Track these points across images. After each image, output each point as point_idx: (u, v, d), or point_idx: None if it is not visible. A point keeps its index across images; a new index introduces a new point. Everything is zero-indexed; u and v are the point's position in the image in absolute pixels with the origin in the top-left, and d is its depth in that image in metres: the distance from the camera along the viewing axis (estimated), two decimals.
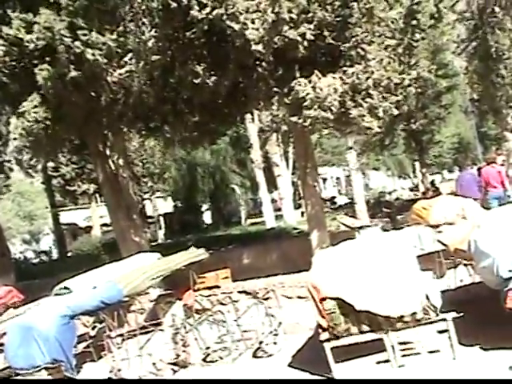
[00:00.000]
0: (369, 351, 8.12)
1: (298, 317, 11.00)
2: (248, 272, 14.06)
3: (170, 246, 21.41)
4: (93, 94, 13.82)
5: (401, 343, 8.19)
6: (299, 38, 11.55)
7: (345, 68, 12.13)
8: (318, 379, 7.42)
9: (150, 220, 39.70)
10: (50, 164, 29.72)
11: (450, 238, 10.27)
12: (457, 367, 7.62)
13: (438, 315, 7.98)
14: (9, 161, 24.78)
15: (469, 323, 8.20)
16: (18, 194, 41.05)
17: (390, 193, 51.45)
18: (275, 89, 12.93)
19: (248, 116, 25.69)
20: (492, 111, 28.78)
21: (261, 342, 10.38)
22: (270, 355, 10.17)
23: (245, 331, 10.98)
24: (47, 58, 13.16)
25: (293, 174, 33.91)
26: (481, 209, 12.29)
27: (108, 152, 16.34)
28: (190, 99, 13.65)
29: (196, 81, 12.61)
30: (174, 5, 12.05)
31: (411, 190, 52.17)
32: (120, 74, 13.06)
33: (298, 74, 12.25)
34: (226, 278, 13.15)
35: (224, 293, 12.26)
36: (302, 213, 29.40)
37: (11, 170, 25.89)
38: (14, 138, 16.84)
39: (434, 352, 8.20)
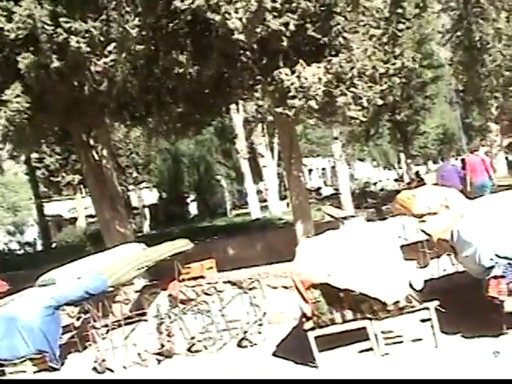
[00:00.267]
0: (352, 340, 8.17)
1: (282, 306, 11.05)
2: (233, 262, 14.07)
3: (155, 236, 21.34)
4: (76, 83, 13.70)
5: (384, 332, 8.24)
6: (282, 28, 11.50)
7: (329, 57, 12.10)
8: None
9: (135, 211, 39.53)
10: (34, 155, 29.46)
11: (433, 228, 10.32)
12: (439, 355, 7.68)
13: (420, 304, 8.04)
14: None
15: (451, 312, 8.27)
16: (1, 185, 40.64)
17: (375, 183, 51.57)
18: (259, 78, 12.90)
19: (233, 106, 25.60)
20: (476, 102, 28.82)
21: (245, 332, 10.42)
22: (255, 345, 10.22)
23: (229, 321, 11.01)
24: (30, 47, 13.03)
25: (278, 164, 33.87)
26: (464, 199, 12.36)
27: (92, 142, 16.24)
28: (174, 89, 13.59)
29: (180, 70, 12.55)
30: None
31: (396, 180, 52.25)
32: (104, 63, 12.94)
33: (282, 64, 12.22)
34: (211, 268, 13.15)
35: (209, 283, 12.27)
36: (288, 204, 29.42)
37: None
38: None
39: (416, 340, 8.27)
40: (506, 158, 32.48)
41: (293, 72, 11.85)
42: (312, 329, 8.19)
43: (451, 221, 9.19)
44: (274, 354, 9.32)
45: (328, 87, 11.88)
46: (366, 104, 12.34)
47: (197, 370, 9.39)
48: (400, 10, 14.29)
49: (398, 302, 7.95)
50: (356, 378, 7.48)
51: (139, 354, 10.37)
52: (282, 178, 35.02)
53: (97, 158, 16.10)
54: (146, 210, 43.37)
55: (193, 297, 12.11)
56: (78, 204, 37.09)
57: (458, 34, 27.21)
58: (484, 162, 16.61)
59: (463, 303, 8.58)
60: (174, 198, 41.88)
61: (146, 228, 39.63)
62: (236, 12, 11.33)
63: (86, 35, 12.57)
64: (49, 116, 14.01)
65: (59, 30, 12.47)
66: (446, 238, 9.33)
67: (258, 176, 33.93)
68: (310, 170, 60.98)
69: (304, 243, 9.67)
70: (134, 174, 37.12)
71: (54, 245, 30.69)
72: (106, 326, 11.19)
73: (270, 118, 26.60)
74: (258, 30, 11.45)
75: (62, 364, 10.80)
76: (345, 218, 16.85)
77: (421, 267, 11.54)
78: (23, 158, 26.67)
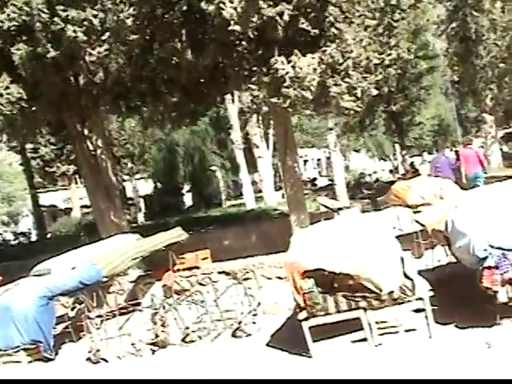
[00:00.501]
0: (346, 330, 8.18)
1: (276, 297, 11.04)
2: (227, 253, 14.08)
3: (150, 227, 21.32)
4: (71, 73, 13.65)
5: (378, 322, 8.26)
6: (277, 17, 11.46)
7: (324, 48, 12.07)
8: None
9: (130, 202, 39.49)
10: (29, 145, 29.37)
11: (427, 219, 10.35)
12: (433, 345, 7.71)
13: (414, 294, 8.06)
14: None
15: (445, 302, 8.29)
16: None
17: (370, 174, 51.57)
18: (255, 68, 12.86)
19: (228, 97, 25.58)
20: (471, 93, 28.88)
21: (240, 322, 10.42)
22: (249, 335, 10.21)
23: (224, 311, 11.01)
24: (23, 38, 12.95)
25: (273, 155, 33.84)
26: (458, 189, 12.39)
27: (87, 133, 16.19)
28: (170, 79, 13.55)
29: (175, 60, 12.51)
30: None
31: (391, 171, 52.28)
32: (99, 53, 12.87)
33: (277, 54, 12.18)
34: (206, 258, 13.16)
35: (203, 273, 12.28)
36: (283, 194, 29.43)
37: None
38: None
39: (410, 331, 8.29)
40: (501, 149, 32.59)
41: (288, 62, 11.81)
42: (306, 319, 8.20)
43: (445, 211, 9.21)
44: (269, 344, 9.33)
45: (323, 77, 11.86)
46: (360, 94, 12.32)
47: (191, 361, 9.39)
48: (395, 1, 14.19)
49: (392, 292, 7.96)
50: (350, 367, 7.50)
51: (133, 345, 10.36)
52: (277, 169, 34.96)
53: (92, 148, 16.06)
54: (141, 201, 43.33)
55: (187, 287, 12.11)
56: (72, 194, 37.03)
57: (454, 25, 27.23)
58: (477, 154, 16.88)
59: (457, 294, 8.62)
60: (169, 189, 41.84)
61: (141, 218, 39.60)
62: (231, 1, 11.28)
63: (84, 23, 12.49)
64: (42, 107, 13.93)
65: (56, 18, 12.39)
66: (440, 229, 9.36)
67: (253, 167, 33.89)
68: (305, 161, 60.96)
69: (298, 233, 9.66)
70: (129, 165, 37.07)
71: (48, 235, 30.66)
72: (101, 316, 11.19)
73: (265, 108, 26.61)
74: (254, 19, 11.40)
75: (56, 354, 10.80)
76: (340, 209, 16.88)
77: (415, 258, 11.58)
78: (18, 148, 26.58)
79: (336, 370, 7.53)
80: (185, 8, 12.04)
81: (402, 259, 8.17)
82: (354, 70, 12.12)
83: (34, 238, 33.64)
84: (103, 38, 12.86)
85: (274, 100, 12.43)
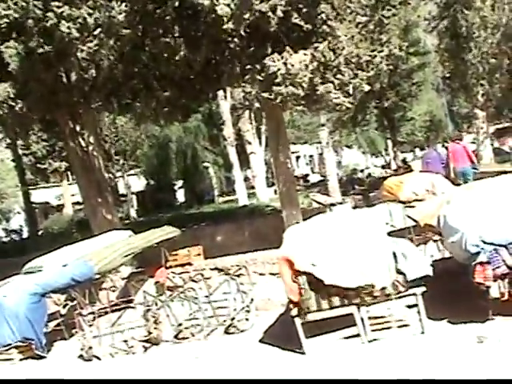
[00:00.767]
0: (339, 326, 8.18)
1: (269, 293, 11.06)
2: (220, 249, 14.07)
3: (143, 224, 21.29)
4: (62, 70, 13.57)
5: (371, 318, 8.27)
6: (270, 12, 11.44)
7: (316, 44, 12.07)
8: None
9: (122, 198, 39.39)
10: (21, 142, 29.23)
11: (420, 214, 10.36)
12: (426, 341, 7.72)
13: (406, 290, 8.07)
14: None
15: (437, 298, 8.30)
16: None
17: (362, 170, 51.63)
18: (247, 65, 12.83)
19: (220, 93, 25.52)
20: (463, 89, 28.96)
21: (233, 319, 10.42)
22: (242, 331, 10.22)
23: (217, 308, 10.99)
24: (14, 35, 12.86)
25: (266, 151, 33.83)
26: (450, 185, 12.42)
27: (79, 129, 16.11)
28: (162, 75, 13.50)
29: (167, 56, 12.47)
30: None
31: (383, 167, 52.34)
32: (89, 48, 12.78)
33: (269, 51, 12.17)
34: (198, 255, 13.16)
35: (196, 270, 12.27)
36: (275, 190, 29.43)
37: None
38: None
39: (403, 326, 8.30)
40: (492, 144, 32.69)
41: (280, 58, 11.80)
42: (299, 315, 8.20)
43: (438, 207, 9.22)
44: (261, 341, 9.33)
45: (314, 74, 11.86)
46: (351, 91, 12.34)
47: (184, 358, 9.37)
48: None
49: (384, 287, 7.97)
50: (343, 364, 7.50)
51: (126, 342, 10.35)
52: (269, 165, 34.95)
53: (84, 144, 15.97)
54: (134, 197, 43.24)
55: (180, 284, 12.10)
56: (64, 191, 36.91)
57: (445, 21, 27.29)
58: (466, 149, 17.03)
59: (449, 289, 8.63)
60: (162, 185, 41.79)
61: (134, 215, 39.51)
62: None
63: (77, 21, 12.39)
64: (33, 104, 13.83)
65: (49, 14, 12.28)
66: (432, 224, 9.37)
67: (245, 163, 33.86)
68: (298, 157, 60.99)
69: (291, 229, 9.65)
70: (122, 161, 36.96)
71: (40, 232, 30.54)
72: (93, 313, 11.16)
73: (257, 104, 26.58)
74: (246, 15, 11.38)
75: (48, 352, 10.77)
76: (332, 205, 16.90)
77: None
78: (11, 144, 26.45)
79: (329, 367, 7.52)
80: (177, 4, 12.00)
81: (395, 255, 8.17)
82: (346, 66, 12.13)
83: (25, 235, 33.52)
84: (95, 33, 12.78)
85: (265, 95, 12.42)
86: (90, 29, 12.81)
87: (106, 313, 11.26)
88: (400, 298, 8.13)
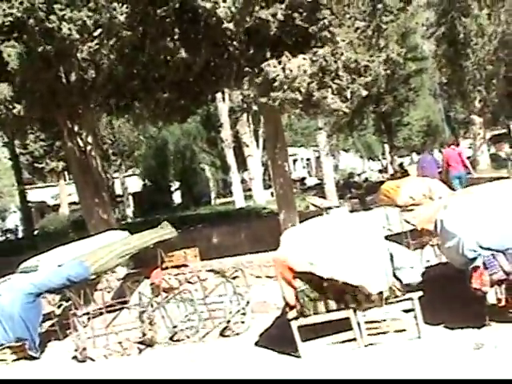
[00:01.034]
0: (336, 330, 8.17)
1: (266, 296, 11.02)
2: (216, 251, 14.06)
3: (139, 224, 21.27)
4: (62, 71, 13.54)
5: (367, 322, 8.25)
6: (271, 18, 11.46)
7: (315, 49, 12.08)
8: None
9: (119, 199, 39.39)
10: (18, 141, 29.21)
11: (417, 218, 10.36)
12: (422, 346, 7.71)
13: (404, 294, 8.06)
14: None
15: (434, 302, 8.29)
16: None
17: (359, 174, 51.76)
18: (246, 69, 12.84)
19: (219, 95, 25.57)
20: (460, 95, 29.09)
21: (228, 321, 10.38)
22: (238, 334, 10.18)
23: (212, 310, 10.96)
24: (15, 35, 12.82)
25: (263, 154, 33.87)
26: (447, 189, 12.43)
27: (77, 129, 16.07)
28: (161, 77, 13.49)
29: (167, 58, 12.47)
30: None
31: (380, 171, 52.52)
32: (89, 47, 12.74)
33: (268, 55, 12.18)
34: (195, 256, 13.09)
35: (192, 272, 12.21)
36: (272, 193, 29.45)
37: None
38: None
39: (400, 331, 8.28)
40: (489, 149, 32.80)
41: (279, 63, 11.81)
42: (295, 318, 8.18)
43: (435, 211, 9.21)
44: (257, 344, 9.30)
45: (313, 79, 11.88)
46: (349, 96, 12.38)
47: (179, 360, 9.34)
48: (380, 5, 14.20)
49: (381, 292, 7.95)
50: (339, 367, 7.49)
51: (120, 343, 10.30)
52: (266, 168, 35.03)
53: (82, 145, 15.94)
54: (130, 198, 43.23)
55: (176, 285, 12.04)
56: (61, 191, 36.89)
57: (442, 28, 27.48)
58: (460, 155, 17.24)
59: (446, 294, 8.63)
60: (159, 186, 41.82)
61: (130, 216, 39.50)
62: (224, 1, 11.26)
63: (78, 23, 12.35)
64: (31, 105, 13.77)
65: (52, 16, 12.24)
66: (429, 229, 9.37)
67: (242, 165, 33.94)
68: (295, 160, 61.12)
69: (288, 232, 9.63)
70: (119, 162, 36.96)
71: (36, 231, 30.50)
72: (88, 314, 11.10)
73: (255, 107, 26.62)
74: (247, 19, 11.40)
75: (42, 352, 10.72)
76: (329, 208, 16.91)
77: None
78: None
79: (325, 370, 7.51)
80: (177, 6, 12.00)
81: (392, 259, 8.16)
82: (344, 71, 12.15)
83: (21, 234, 33.47)
84: (95, 34, 12.75)
85: (263, 99, 12.43)
86: (91, 29, 12.79)
87: (101, 314, 11.20)
88: (397, 302, 8.12)
